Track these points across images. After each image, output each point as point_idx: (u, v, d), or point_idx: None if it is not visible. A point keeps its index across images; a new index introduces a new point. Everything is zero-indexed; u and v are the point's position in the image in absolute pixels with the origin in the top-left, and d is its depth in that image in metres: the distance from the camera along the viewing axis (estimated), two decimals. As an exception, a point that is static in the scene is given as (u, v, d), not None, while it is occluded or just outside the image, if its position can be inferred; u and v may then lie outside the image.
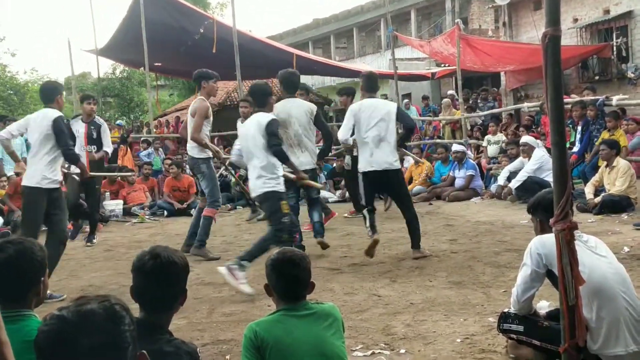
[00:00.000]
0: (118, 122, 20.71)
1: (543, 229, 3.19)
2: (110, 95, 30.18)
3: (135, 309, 1.92)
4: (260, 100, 5.70)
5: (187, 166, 12.92)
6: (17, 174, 9.54)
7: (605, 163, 8.46)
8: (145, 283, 2.27)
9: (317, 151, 6.88)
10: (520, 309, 3.21)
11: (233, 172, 8.82)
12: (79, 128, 7.96)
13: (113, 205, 10.88)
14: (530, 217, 3.49)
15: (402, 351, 3.61)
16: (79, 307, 1.50)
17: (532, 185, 8.80)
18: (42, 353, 1.48)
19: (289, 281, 2.61)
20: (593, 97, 10.70)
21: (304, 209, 7.10)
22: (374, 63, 23.85)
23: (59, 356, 1.45)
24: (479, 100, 16.87)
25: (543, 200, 3.25)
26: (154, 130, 17.62)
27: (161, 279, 2.25)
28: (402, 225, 8.34)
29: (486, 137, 12.66)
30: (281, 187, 5.45)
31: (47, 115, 5.45)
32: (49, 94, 5.63)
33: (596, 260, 2.99)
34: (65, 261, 7.16)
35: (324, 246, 6.65)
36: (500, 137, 12.44)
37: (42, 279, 2.34)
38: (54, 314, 1.50)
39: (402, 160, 12.27)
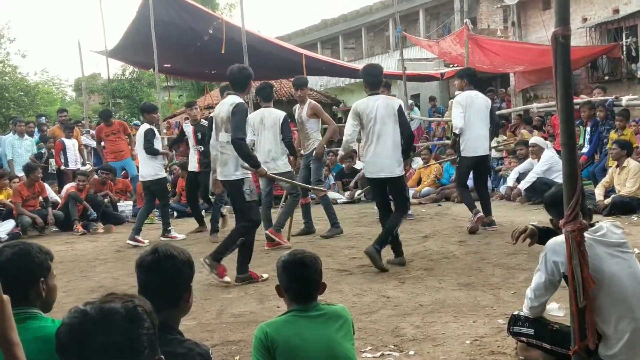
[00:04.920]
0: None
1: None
2: (120, 97, 30.27)
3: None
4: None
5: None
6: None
7: (615, 164, 8.42)
8: (146, 278, 2.28)
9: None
10: (533, 314, 3.20)
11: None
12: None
13: (123, 207, 11.06)
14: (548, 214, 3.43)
15: (412, 353, 3.60)
16: (103, 303, 1.52)
17: (541, 187, 8.78)
18: (60, 345, 1.51)
19: (300, 282, 2.61)
20: (602, 98, 10.65)
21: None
22: (383, 63, 23.47)
23: (74, 349, 1.48)
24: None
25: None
26: (165, 131, 17.65)
27: (161, 273, 2.26)
28: (409, 226, 8.37)
29: (494, 138, 12.57)
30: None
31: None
32: None
33: (615, 266, 2.86)
34: (75, 262, 7.24)
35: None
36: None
37: (42, 279, 2.32)
38: (78, 307, 1.52)
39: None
